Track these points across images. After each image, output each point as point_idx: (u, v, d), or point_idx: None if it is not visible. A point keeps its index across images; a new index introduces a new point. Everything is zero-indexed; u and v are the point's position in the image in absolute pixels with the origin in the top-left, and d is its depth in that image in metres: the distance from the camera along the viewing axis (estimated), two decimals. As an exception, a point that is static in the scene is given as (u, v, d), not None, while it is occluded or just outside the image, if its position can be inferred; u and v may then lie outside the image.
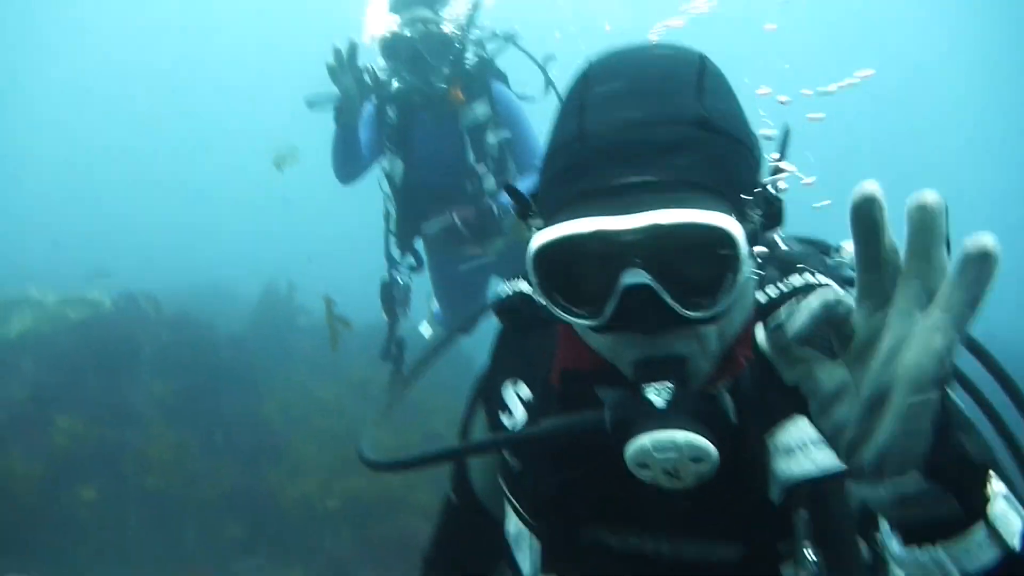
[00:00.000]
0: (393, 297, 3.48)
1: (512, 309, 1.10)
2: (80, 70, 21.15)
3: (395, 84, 3.34)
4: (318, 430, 5.36)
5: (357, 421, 5.42)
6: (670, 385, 0.82)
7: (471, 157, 3.33)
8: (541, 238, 0.84)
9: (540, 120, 3.43)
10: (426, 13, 3.18)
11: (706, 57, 0.92)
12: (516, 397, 1.08)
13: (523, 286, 1.09)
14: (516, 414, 1.06)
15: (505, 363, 1.14)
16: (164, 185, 21.97)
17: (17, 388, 5.17)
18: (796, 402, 0.82)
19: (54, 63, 20.78)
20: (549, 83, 3.55)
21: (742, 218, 0.82)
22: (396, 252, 3.56)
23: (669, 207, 0.78)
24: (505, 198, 3.29)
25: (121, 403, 5.02)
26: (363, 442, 1.11)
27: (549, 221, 0.85)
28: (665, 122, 0.83)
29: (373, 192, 3.68)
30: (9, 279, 8.11)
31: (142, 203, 21.13)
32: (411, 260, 3.58)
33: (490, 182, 3.35)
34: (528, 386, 1.08)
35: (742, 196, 0.83)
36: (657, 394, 0.82)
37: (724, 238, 0.79)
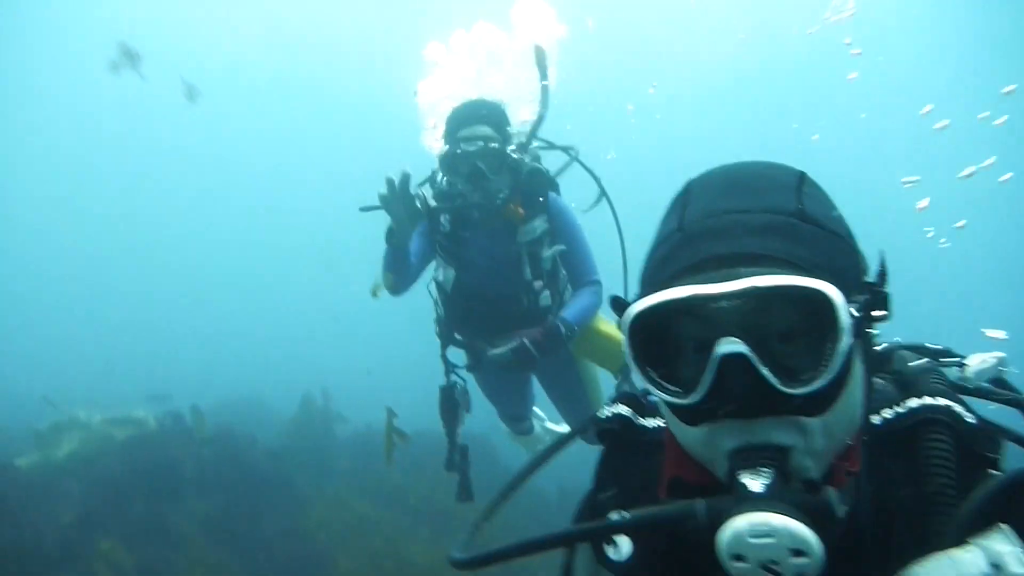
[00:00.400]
0: (456, 402, 3.39)
1: (613, 432, 1.08)
2: (116, 186, 22.33)
3: (445, 182, 3.28)
4: (357, 545, 5.31)
5: (395, 535, 5.37)
6: (768, 471, 0.76)
7: (528, 273, 3.26)
8: (636, 307, 0.83)
9: (592, 232, 3.42)
10: (486, 130, 3.13)
11: (806, 173, 0.93)
12: None
13: (623, 409, 1.08)
14: (622, 545, 0.99)
15: (607, 487, 1.08)
16: (203, 299, 22.66)
17: (64, 512, 5.26)
18: (920, 539, 0.79)
19: (90, 186, 21.96)
20: (603, 195, 3.54)
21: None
22: (453, 356, 3.45)
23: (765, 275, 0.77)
24: (569, 314, 3.23)
25: (163, 523, 5.06)
26: (454, 549, 1.02)
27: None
28: (762, 211, 0.84)
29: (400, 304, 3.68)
30: (60, 400, 8.38)
31: (182, 316, 21.75)
32: (466, 359, 3.46)
33: (545, 297, 3.29)
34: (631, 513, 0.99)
35: (841, 280, 0.80)
36: (753, 478, 0.76)
37: (823, 302, 0.76)
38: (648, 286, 0.88)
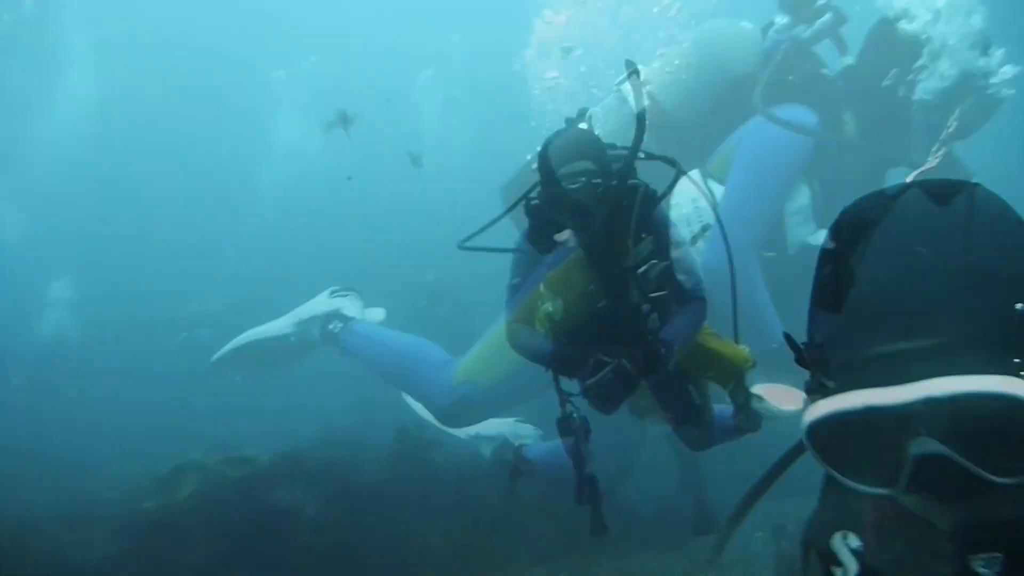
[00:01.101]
0: (575, 432, 3.32)
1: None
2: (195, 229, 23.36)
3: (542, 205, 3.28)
4: (462, 576, 5.45)
5: (499, 564, 5.48)
6: (999, 555, 0.72)
7: (636, 296, 3.24)
8: (810, 415, 0.82)
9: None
10: (587, 165, 3.08)
11: (978, 187, 0.86)
12: (848, 551, 0.93)
13: None
14: (850, 571, 0.93)
15: (832, 507, 1.02)
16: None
17: (192, 551, 5.63)
18: None
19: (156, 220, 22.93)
20: (719, 223, 3.55)
21: None
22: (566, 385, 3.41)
23: (942, 374, 0.72)
24: (670, 334, 3.19)
25: (284, 563, 5.33)
26: None
27: (819, 392, 0.82)
28: (928, 277, 0.78)
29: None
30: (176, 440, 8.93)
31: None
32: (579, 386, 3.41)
33: (654, 320, 3.27)
34: (857, 535, 0.93)
35: None
36: (986, 567, 0.72)
37: (1012, 404, 0.71)
38: (819, 364, 0.86)
